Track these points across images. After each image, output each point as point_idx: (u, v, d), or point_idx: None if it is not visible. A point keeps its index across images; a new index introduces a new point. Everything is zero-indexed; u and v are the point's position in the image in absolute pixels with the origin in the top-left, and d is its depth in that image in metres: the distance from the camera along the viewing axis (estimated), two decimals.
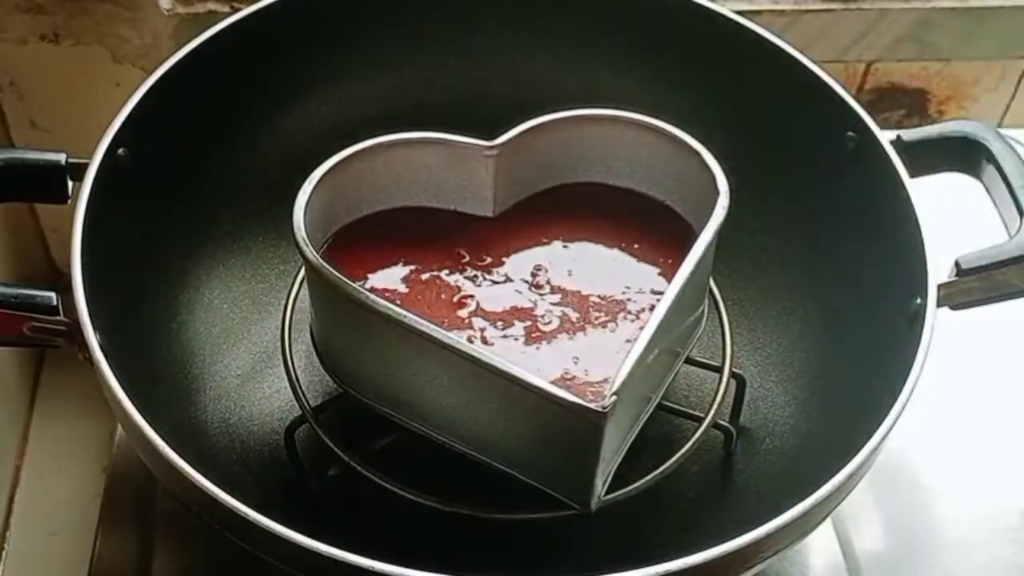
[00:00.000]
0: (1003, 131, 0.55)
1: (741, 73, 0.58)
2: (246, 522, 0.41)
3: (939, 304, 0.49)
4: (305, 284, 0.50)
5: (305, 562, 0.40)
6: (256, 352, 0.55)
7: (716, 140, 0.51)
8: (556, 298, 0.47)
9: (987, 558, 0.63)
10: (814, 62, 0.56)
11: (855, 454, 0.44)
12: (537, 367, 0.43)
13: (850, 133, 0.54)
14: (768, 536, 0.42)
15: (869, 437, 0.45)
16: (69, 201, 0.50)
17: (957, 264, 0.51)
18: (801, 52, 0.56)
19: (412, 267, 0.47)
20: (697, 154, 0.50)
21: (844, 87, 0.55)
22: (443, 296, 0.46)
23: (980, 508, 0.65)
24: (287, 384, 0.51)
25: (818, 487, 0.43)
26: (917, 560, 0.63)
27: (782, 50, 0.56)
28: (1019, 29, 0.77)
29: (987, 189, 0.54)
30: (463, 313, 0.46)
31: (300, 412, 0.51)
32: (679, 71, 0.59)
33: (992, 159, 0.53)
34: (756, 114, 0.58)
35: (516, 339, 0.45)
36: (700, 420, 0.51)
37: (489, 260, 0.48)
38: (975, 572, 0.63)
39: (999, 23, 0.77)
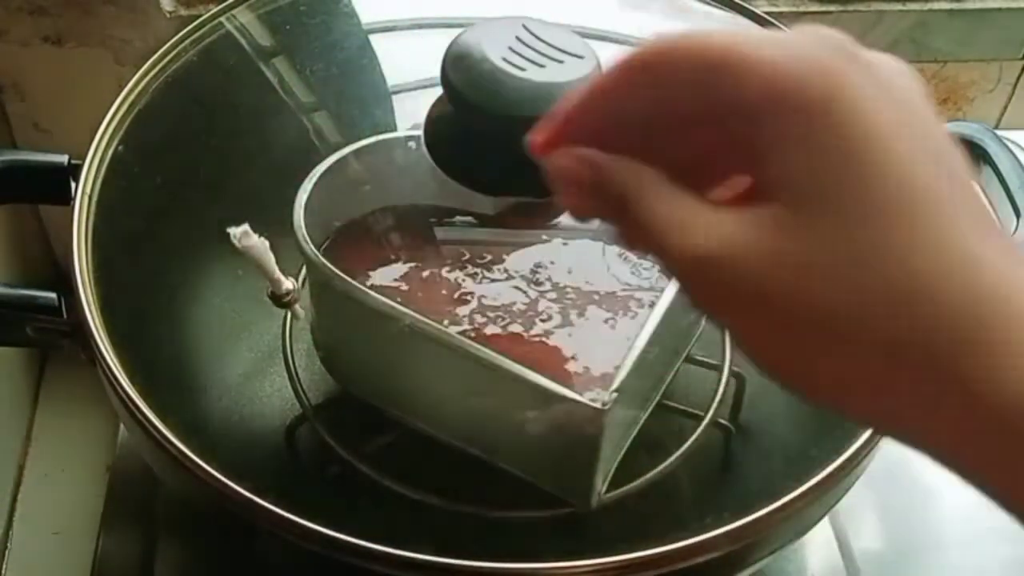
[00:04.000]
0: (1000, 133, 0.55)
1: None
2: (250, 513, 0.41)
3: None
4: (307, 282, 0.51)
5: (308, 555, 0.41)
6: (257, 351, 0.55)
7: None
8: (556, 295, 0.47)
9: (986, 557, 0.63)
10: None
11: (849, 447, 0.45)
12: (537, 364, 0.44)
13: None
14: (763, 525, 0.43)
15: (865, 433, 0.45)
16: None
17: None
18: None
19: (412, 264, 0.48)
20: None
21: None
22: (443, 293, 0.46)
23: (979, 508, 0.65)
24: (288, 383, 0.52)
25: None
26: (915, 560, 0.64)
27: None
28: (1016, 31, 0.78)
29: (983, 190, 0.54)
30: (463, 310, 0.46)
31: (301, 411, 0.51)
32: None
33: (989, 160, 0.53)
34: None
35: (516, 336, 0.45)
36: (700, 418, 0.51)
37: (489, 257, 0.48)
38: (974, 571, 0.63)
39: (996, 25, 0.77)
